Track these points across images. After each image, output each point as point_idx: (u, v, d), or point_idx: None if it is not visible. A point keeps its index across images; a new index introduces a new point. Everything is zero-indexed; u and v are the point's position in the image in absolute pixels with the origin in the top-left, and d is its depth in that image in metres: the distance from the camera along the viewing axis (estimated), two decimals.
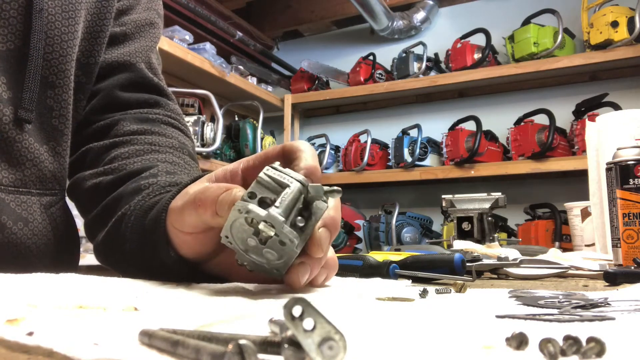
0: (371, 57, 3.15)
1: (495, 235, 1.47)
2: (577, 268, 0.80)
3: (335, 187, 0.42)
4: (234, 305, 0.37)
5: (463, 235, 1.46)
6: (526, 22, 2.74)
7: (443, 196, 1.56)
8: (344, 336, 0.21)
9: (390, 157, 2.93)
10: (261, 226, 0.40)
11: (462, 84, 2.94)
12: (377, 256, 0.70)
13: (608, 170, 0.83)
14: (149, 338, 0.24)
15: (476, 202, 1.49)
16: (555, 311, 0.37)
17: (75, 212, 0.67)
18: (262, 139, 2.95)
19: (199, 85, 2.76)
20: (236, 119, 3.10)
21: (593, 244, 1.25)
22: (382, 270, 0.65)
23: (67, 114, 0.63)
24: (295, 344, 0.20)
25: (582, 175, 1.43)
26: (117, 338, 0.25)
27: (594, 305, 0.39)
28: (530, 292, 0.50)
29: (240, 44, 3.21)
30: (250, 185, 0.42)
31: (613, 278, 0.63)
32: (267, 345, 0.22)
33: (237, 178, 0.50)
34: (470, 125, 2.74)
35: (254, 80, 3.12)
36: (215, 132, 2.58)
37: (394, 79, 3.09)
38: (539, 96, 2.90)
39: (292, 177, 0.42)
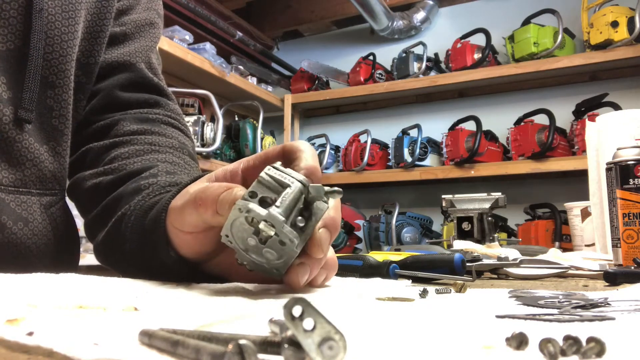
0: (371, 57, 3.15)
1: (495, 235, 1.47)
2: (577, 268, 0.80)
3: (336, 188, 0.42)
4: (234, 305, 0.37)
5: (463, 235, 1.46)
6: (526, 22, 2.74)
7: (443, 196, 1.56)
8: (344, 336, 0.21)
9: (390, 157, 2.93)
10: (261, 225, 0.40)
11: (462, 84, 2.94)
12: (377, 256, 0.70)
13: (608, 170, 0.83)
14: (149, 338, 0.24)
15: (476, 202, 1.49)
16: (555, 311, 0.37)
17: (75, 212, 0.67)
18: (262, 139, 2.95)
19: (199, 85, 2.76)
20: (236, 119, 3.10)
21: (593, 244, 1.25)
22: (382, 270, 0.65)
23: (67, 114, 0.63)
24: (295, 344, 0.20)
25: (582, 175, 1.43)
26: (117, 338, 0.25)
27: (594, 305, 0.39)
28: (530, 292, 0.50)
29: (240, 44, 3.21)
30: (251, 185, 0.42)
31: (613, 278, 0.63)
32: (267, 345, 0.22)
33: (237, 178, 0.50)
34: (470, 125, 2.74)
35: (254, 80, 3.12)
36: (215, 132, 2.58)
37: (394, 79, 3.09)
38: (539, 96, 2.90)
39: (293, 177, 0.42)
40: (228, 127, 2.99)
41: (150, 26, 0.75)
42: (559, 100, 2.81)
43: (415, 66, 3.00)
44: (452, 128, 2.81)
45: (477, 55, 2.85)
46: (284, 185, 0.41)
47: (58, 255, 0.63)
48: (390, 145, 2.94)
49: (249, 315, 0.33)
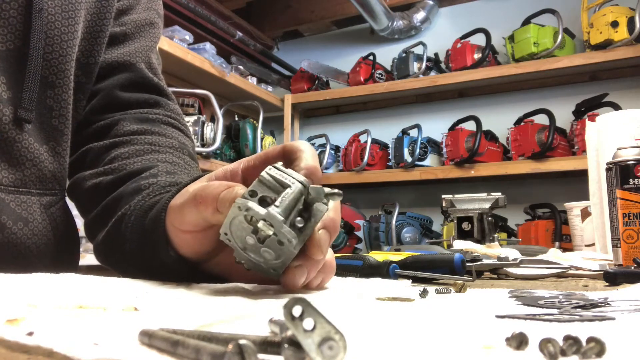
0: (371, 57, 3.15)
1: (495, 235, 1.47)
2: (577, 268, 0.80)
3: (336, 190, 0.42)
4: (234, 305, 0.37)
5: (463, 235, 1.46)
6: (526, 22, 2.74)
7: (443, 196, 1.56)
8: (344, 336, 0.21)
9: (390, 157, 2.93)
10: (260, 225, 0.40)
11: (462, 84, 2.94)
12: (377, 256, 0.70)
13: (608, 170, 0.83)
14: (149, 338, 0.24)
15: (476, 202, 1.49)
16: (555, 311, 0.37)
17: (75, 212, 0.67)
18: (262, 139, 2.95)
19: (199, 85, 2.76)
20: (236, 119, 3.10)
21: (593, 244, 1.25)
22: (382, 270, 0.65)
23: (67, 114, 0.63)
24: (295, 344, 0.20)
25: (582, 175, 1.43)
26: (117, 338, 0.25)
27: (594, 305, 0.39)
28: (530, 292, 0.50)
29: (240, 44, 3.21)
30: (252, 184, 0.42)
31: (613, 278, 0.63)
32: (267, 345, 0.22)
33: (237, 178, 0.50)
34: (470, 125, 2.74)
35: (254, 80, 3.12)
36: (215, 132, 2.58)
37: (394, 79, 3.09)
38: (539, 96, 2.90)
39: (293, 178, 0.42)
40: (228, 127, 2.99)
41: (150, 26, 0.75)
42: (559, 100, 2.81)
43: (415, 66, 3.00)
44: (452, 128, 2.81)
45: (477, 55, 2.85)
46: (284, 186, 0.41)
47: (58, 255, 0.63)
48: (390, 145, 2.94)
49: (249, 315, 0.33)
